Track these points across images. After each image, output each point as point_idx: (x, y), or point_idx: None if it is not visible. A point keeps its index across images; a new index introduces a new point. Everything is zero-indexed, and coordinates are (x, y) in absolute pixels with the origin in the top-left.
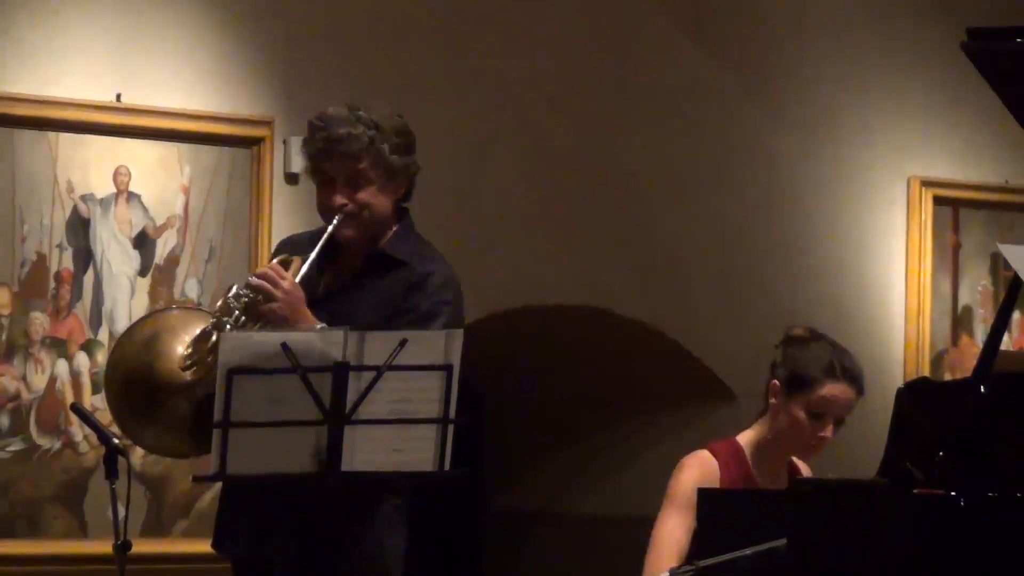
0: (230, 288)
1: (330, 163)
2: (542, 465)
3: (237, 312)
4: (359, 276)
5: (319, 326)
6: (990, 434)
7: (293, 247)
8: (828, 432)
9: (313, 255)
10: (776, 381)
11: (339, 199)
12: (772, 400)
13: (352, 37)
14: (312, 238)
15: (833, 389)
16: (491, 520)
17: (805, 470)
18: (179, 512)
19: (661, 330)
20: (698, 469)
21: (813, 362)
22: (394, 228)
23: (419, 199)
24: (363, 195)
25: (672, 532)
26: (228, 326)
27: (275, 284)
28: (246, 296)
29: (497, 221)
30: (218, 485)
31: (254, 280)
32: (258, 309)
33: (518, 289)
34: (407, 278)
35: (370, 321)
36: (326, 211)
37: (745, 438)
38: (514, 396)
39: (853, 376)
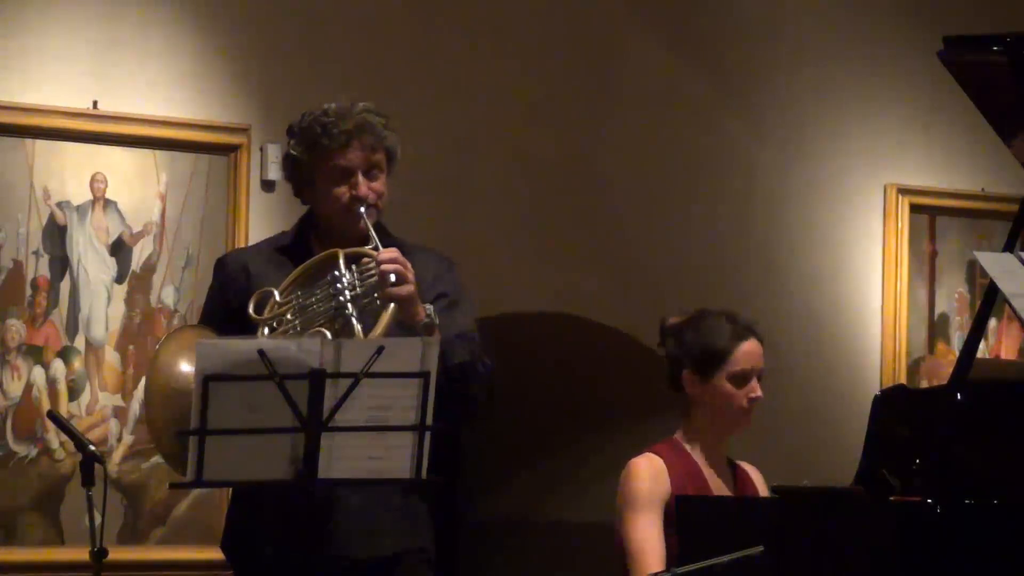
0: (327, 276)
1: (351, 154)
2: (519, 473)
3: (357, 295)
4: None
5: (429, 307)
6: (967, 442)
7: (253, 261)
8: (758, 390)
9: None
10: (686, 372)
11: (364, 190)
12: (690, 391)
13: (329, 45)
14: (269, 248)
15: (745, 347)
16: (467, 529)
17: (754, 474)
18: (156, 519)
19: (639, 338)
20: (648, 469)
21: (714, 334)
22: None
23: (397, 205)
24: (379, 184)
25: (648, 536)
26: (350, 309)
27: (407, 268)
28: (364, 283)
29: (475, 228)
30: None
31: (390, 266)
32: (391, 293)
33: (496, 296)
34: (417, 264)
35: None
36: (350, 203)
37: (682, 435)
38: (491, 403)
39: (753, 329)
